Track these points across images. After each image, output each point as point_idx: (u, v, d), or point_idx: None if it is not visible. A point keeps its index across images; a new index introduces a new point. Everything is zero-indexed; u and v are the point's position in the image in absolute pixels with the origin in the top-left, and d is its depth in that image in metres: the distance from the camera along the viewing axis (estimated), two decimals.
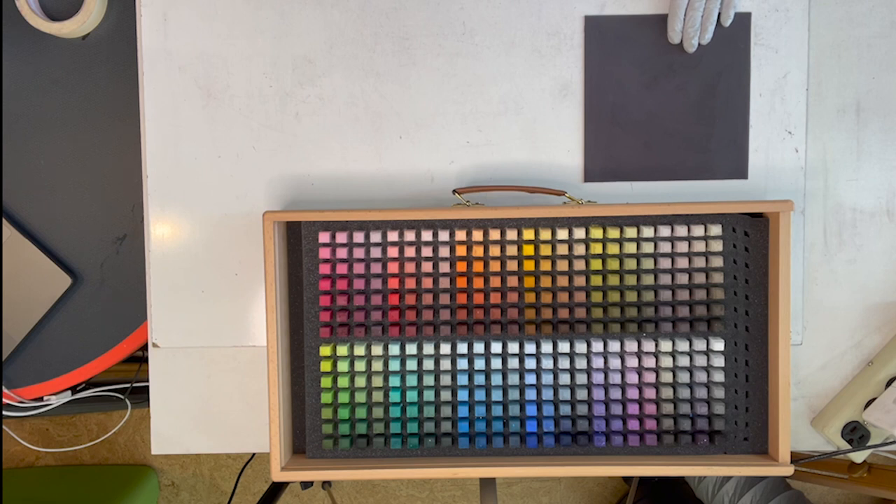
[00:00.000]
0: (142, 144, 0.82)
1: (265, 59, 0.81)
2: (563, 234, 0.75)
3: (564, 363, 0.76)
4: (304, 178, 0.82)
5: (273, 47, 0.81)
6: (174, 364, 0.83)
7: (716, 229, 0.75)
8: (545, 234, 0.75)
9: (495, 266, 0.76)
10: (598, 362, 0.76)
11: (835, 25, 0.80)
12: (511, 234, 0.75)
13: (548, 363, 0.76)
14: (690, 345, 0.76)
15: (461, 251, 0.76)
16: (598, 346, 0.76)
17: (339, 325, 0.77)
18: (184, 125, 0.82)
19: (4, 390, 0.95)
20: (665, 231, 0.75)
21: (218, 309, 0.82)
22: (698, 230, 0.75)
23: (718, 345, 0.76)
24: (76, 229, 0.93)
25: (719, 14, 0.77)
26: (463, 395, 0.76)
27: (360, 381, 0.76)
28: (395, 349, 0.76)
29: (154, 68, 0.81)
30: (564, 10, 0.80)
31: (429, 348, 0.76)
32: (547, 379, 0.76)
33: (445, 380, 0.77)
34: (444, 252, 0.76)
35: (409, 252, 0.76)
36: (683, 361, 0.76)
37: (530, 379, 0.77)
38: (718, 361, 0.76)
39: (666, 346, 0.76)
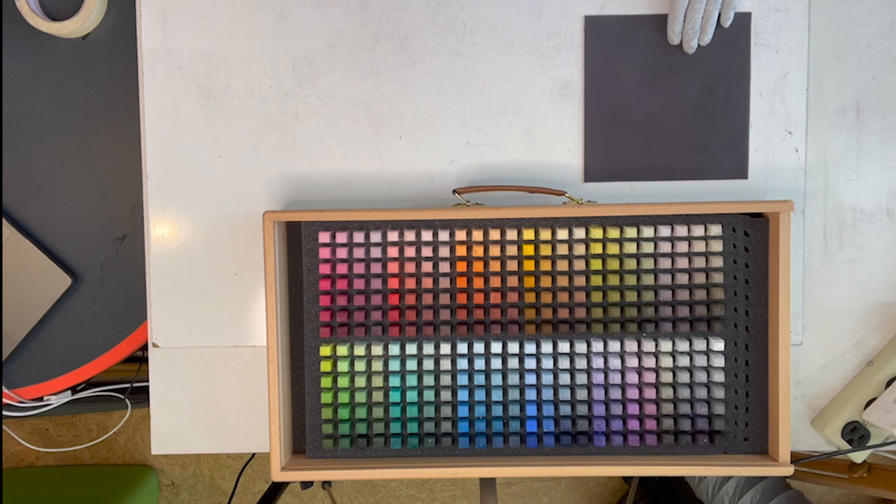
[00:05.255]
0: (142, 144, 0.82)
1: (265, 59, 0.81)
2: (563, 234, 0.75)
3: (564, 363, 0.76)
4: (304, 178, 0.82)
5: (273, 47, 0.81)
6: (174, 364, 0.83)
7: (716, 229, 0.75)
8: (545, 234, 0.75)
9: (495, 266, 0.76)
10: (598, 362, 0.76)
11: (835, 25, 0.80)
12: (511, 234, 0.75)
13: (548, 363, 0.76)
14: (690, 345, 0.76)
15: (461, 251, 0.76)
16: (598, 346, 0.76)
17: (339, 325, 0.77)
18: (184, 125, 0.82)
19: (4, 390, 0.95)
20: (665, 231, 0.75)
21: (218, 309, 0.82)
22: (698, 230, 0.75)
23: (718, 345, 0.76)
24: (76, 229, 0.93)
25: (719, 15, 0.77)
26: (463, 395, 0.76)
27: (360, 381, 0.76)
28: (395, 349, 0.76)
29: (154, 68, 0.81)
30: (564, 10, 0.80)
31: (429, 348, 0.76)
32: (547, 379, 0.76)
33: (445, 380, 0.77)
34: (444, 252, 0.76)
35: (409, 252, 0.76)
36: (683, 361, 0.76)
37: (530, 379, 0.77)
38: (718, 361, 0.76)
39: (666, 346, 0.76)
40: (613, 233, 0.75)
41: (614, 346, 0.76)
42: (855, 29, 0.80)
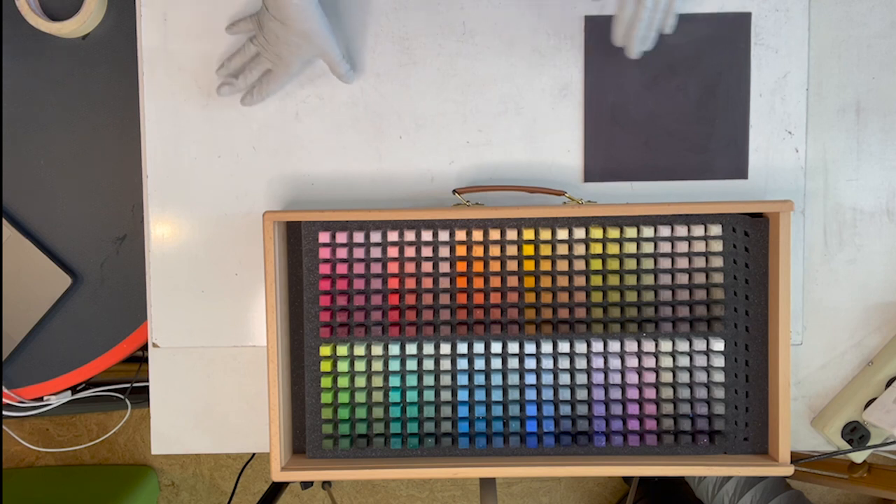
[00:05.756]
0: (142, 144, 0.82)
1: None
2: (563, 234, 0.75)
3: (564, 363, 0.76)
4: (304, 178, 0.82)
5: None
6: (174, 364, 0.83)
7: (716, 229, 0.75)
8: (545, 234, 0.75)
9: (495, 266, 0.76)
10: (598, 362, 0.76)
11: (835, 25, 0.80)
12: (511, 234, 0.75)
13: (548, 363, 0.76)
14: (690, 345, 0.76)
15: (461, 251, 0.76)
16: (598, 346, 0.76)
17: (339, 325, 0.77)
18: (184, 125, 0.81)
19: (4, 390, 0.95)
20: (665, 231, 0.75)
21: (218, 309, 0.82)
22: (698, 230, 0.75)
23: (718, 345, 0.76)
24: (76, 229, 0.93)
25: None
26: (463, 395, 0.76)
27: (360, 381, 0.76)
28: (395, 349, 0.76)
29: (154, 68, 0.81)
30: (564, 10, 0.80)
31: (429, 348, 0.76)
32: (547, 379, 0.76)
33: (445, 380, 0.77)
34: (444, 252, 0.76)
35: (409, 252, 0.76)
36: (683, 361, 0.76)
37: (530, 379, 0.77)
38: (718, 361, 0.76)
39: (666, 346, 0.76)
40: (613, 233, 0.75)
41: (614, 346, 0.76)
42: (855, 29, 0.80)
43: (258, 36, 0.76)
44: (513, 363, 0.76)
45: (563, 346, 0.76)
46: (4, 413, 0.98)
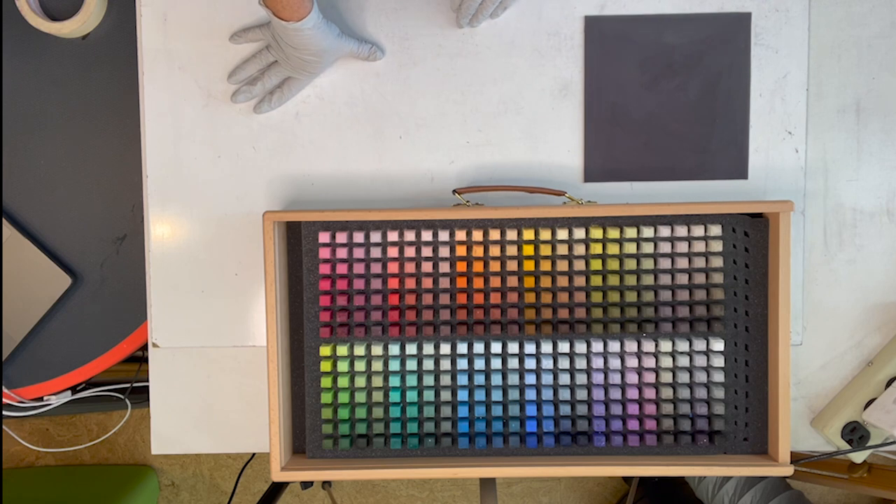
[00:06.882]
0: (142, 144, 0.82)
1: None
2: (563, 234, 0.75)
3: (564, 363, 0.76)
4: (304, 178, 0.82)
5: None
6: (174, 364, 0.83)
7: (716, 229, 0.75)
8: (545, 234, 0.75)
9: (495, 266, 0.76)
10: (598, 362, 0.76)
11: (835, 25, 0.80)
12: (511, 234, 0.75)
13: (548, 363, 0.76)
14: (690, 345, 0.76)
15: (461, 251, 0.76)
16: (598, 346, 0.76)
17: (339, 325, 0.77)
18: (184, 125, 0.81)
19: (4, 390, 0.95)
20: (665, 231, 0.75)
21: (218, 309, 0.82)
22: (698, 230, 0.75)
23: (718, 345, 0.76)
24: (76, 229, 0.93)
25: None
26: (463, 395, 0.76)
27: (360, 381, 0.76)
28: (395, 349, 0.76)
29: (154, 68, 0.81)
30: (564, 10, 0.80)
31: (429, 348, 0.76)
32: (547, 379, 0.76)
33: (445, 380, 0.77)
34: (444, 252, 0.76)
35: (409, 252, 0.76)
36: (683, 361, 0.76)
37: (530, 379, 0.77)
38: (718, 361, 0.76)
39: (666, 346, 0.76)
40: (613, 233, 0.75)
41: (614, 346, 0.76)
42: (855, 29, 0.80)
43: (275, 48, 0.76)
44: (513, 363, 0.76)
45: (563, 346, 0.76)
46: (4, 413, 0.98)
